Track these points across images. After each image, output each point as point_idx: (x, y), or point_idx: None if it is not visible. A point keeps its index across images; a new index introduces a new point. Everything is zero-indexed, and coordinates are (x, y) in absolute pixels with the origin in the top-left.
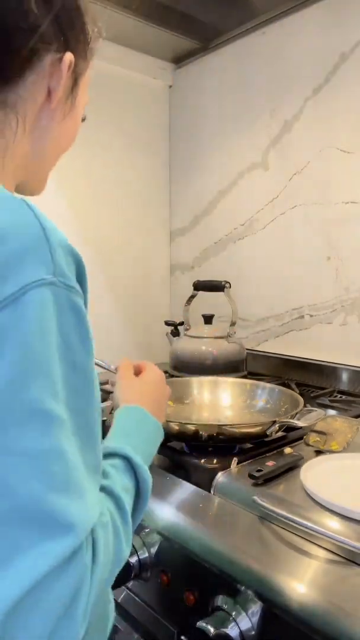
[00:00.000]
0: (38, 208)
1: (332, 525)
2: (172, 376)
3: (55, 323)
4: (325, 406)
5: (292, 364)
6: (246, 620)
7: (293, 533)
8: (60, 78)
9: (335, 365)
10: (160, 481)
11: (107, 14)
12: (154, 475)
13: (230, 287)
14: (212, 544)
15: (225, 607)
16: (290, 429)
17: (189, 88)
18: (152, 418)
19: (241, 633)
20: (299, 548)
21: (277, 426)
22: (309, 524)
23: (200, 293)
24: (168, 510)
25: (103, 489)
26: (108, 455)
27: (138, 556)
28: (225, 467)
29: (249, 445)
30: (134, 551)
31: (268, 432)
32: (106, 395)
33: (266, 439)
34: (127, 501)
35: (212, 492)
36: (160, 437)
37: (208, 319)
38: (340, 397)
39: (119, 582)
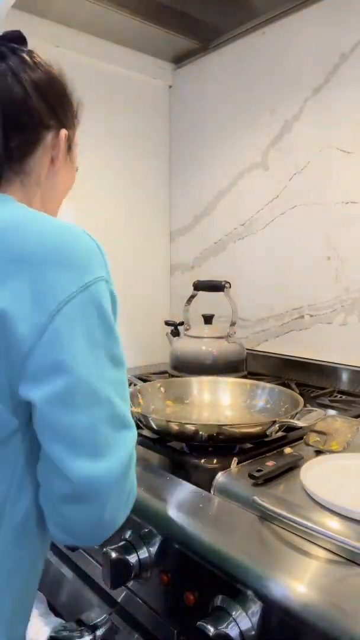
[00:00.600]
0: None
1: (332, 525)
2: (172, 376)
3: (108, 303)
4: (325, 406)
5: (292, 364)
6: (246, 620)
7: (293, 533)
8: (60, 148)
9: (335, 365)
10: (160, 481)
11: (107, 14)
12: (155, 475)
13: (230, 287)
14: (212, 544)
15: (225, 607)
16: (290, 429)
17: (189, 88)
18: None
19: (241, 633)
20: (299, 548)
21: (277, 426)
22: (309, 524)
23: (200, 293)
24: (168, 510)
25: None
26: None
27: (138, 556)
28: (225, 467)
29: (249, 445)
30: (134, 551)
31: (268, 432)
32: None
33: (266, 439)
34: None
35: (212, 492)
36: None
37: (208, 319)
38: (340, 397)
39: (119, 582)
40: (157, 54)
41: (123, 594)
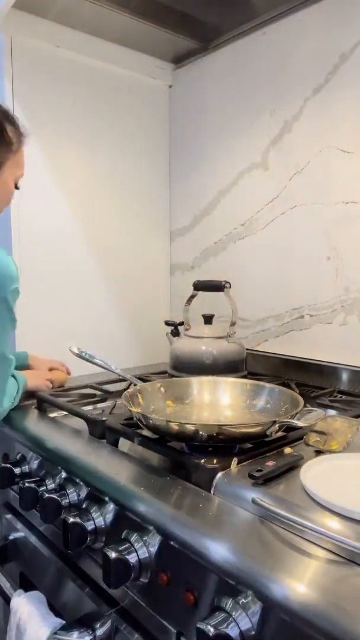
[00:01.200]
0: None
1: (332, 525)
2: (172, 376)
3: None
4: (325, 406)
5: (292, 364)
6: (246, 620)
7: (293, 533)
8: None
9: (335, 365)
10: (160, 481)
11: (107, 14)
12: (155, 475)
13: (230, 287)
14: (212, 544)
15: (225, 607)
16: (290, 429)
17: (189, 88)
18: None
19: (241, 633)
20: (299, 548)
21: (277, 426)
22: (309, 524)
23: (200, 293)
24: (168, 510)
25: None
26: None
27: (138, 556)
28: (225, 467)
29: (249, 445)
30: (134, 551)
31: (268, 432)
32: (107, 395)
33: (266, 439)
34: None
35: (212, 492)
36: (23, 379)
37: (208, 319)
38: (340, 397)
39: (119, 582)
40: (157, 54)
41: (123, 594)
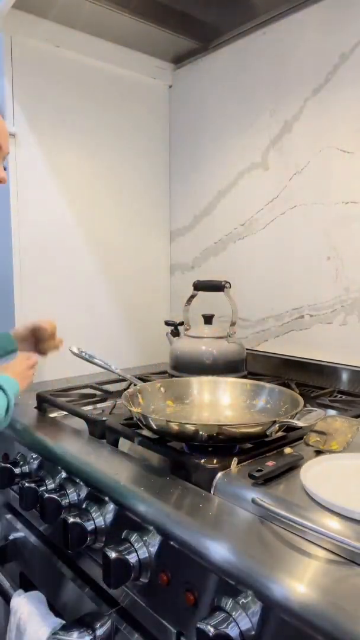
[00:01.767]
0: None
1: (332, 525)
2: (172, 376)
3: None
4: (325, 406)
5: (292, 364)
6: (246, 620)
7: (293, 533)
8: None
9: (335, 365)
10: (160, 481)
11: (107, 14)
12: (155, 475)
13: (230, 287)
14: (212, 544)
15: (225, 607)
16: (290, 429)
17: (189, 88)
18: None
19: (241, 633)
20: (299, 548)
21: (277, 426)
22: (309, 524)
23: (200, 293)
24: (168, 510)
25: None
26: None
27: (138, 556)
28: (225, 467)
29: (249, 445)
30: (134, 551)
31: (268, 432)
32: (107, 395)
33: (266, 439)
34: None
35: (212, 492)
36: (14, 385)
37: (208, 319)
38: (340, 397)
39: (119, 582)
40: (157, 54)
41: (123, 594)
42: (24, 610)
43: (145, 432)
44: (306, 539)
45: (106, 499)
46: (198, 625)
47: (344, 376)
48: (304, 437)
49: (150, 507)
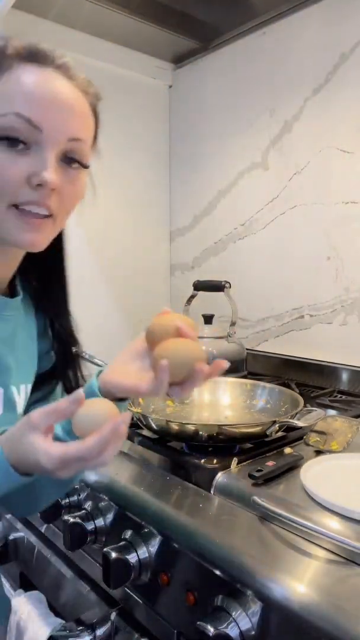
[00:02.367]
0: None
1: (332, 525)
2: None
3: None
4: (325, 406)
5: (292, 364)
6: (246, 620)
7: (293, 533)
8: None
9: (335, 365)
10: (160, 481)
11: (107, 14)
12: (155, 475)
13: (230, 287)
14: (212, 544)
15: (225, 607)
16: (290, 429)
17: (189, 88)
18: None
19: (241, 633)
20: (299, 548)
21: (277, 426)
22: (309, 524)
23: (200, 293)
24: (168, 510)
25: None
26: None
27: (138, 556)
28: (225, 467)
29: (249, 445)
30: (134, 551)
31: (268, 432)
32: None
33: (266, 439)
34: None
35: (212, 492)
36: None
37: (208, 319)
38: (340, 397)
39: (119, 582)
40: (157, 54)
41: (123, 594)
42: (24, 610)
43: (145, 432)
44: (306, 539)
45: (106, 498)
46: (198, 626)
47: (344, 376)
48: (304, 437)
49: (150, 507)
